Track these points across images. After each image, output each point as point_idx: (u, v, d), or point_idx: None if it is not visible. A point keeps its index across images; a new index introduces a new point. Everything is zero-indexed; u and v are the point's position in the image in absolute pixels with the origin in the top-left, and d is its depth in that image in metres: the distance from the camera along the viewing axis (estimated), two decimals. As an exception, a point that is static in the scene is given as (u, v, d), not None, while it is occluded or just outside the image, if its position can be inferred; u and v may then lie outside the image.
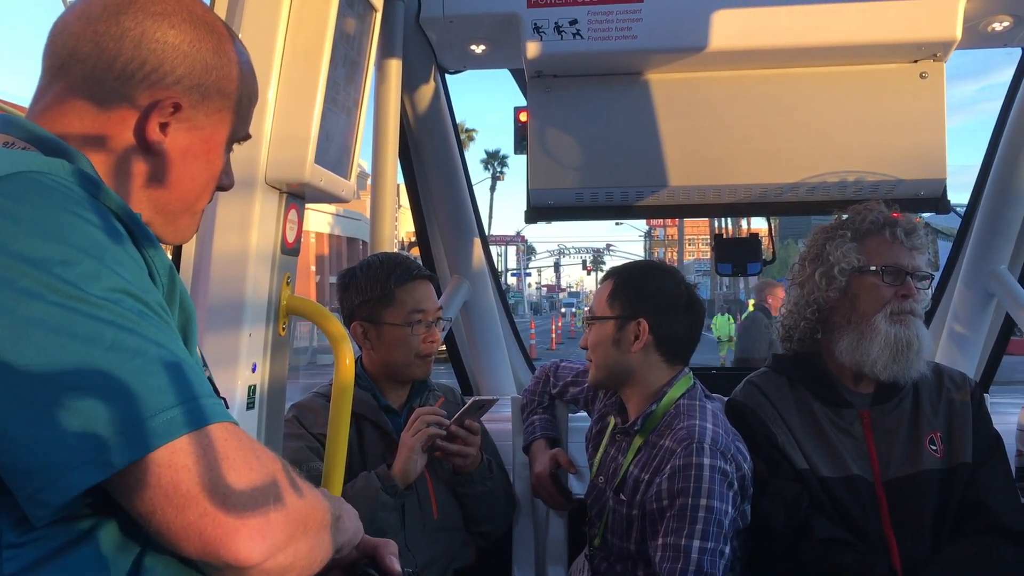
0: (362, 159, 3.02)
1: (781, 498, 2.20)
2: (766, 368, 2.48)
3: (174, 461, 0.91)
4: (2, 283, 0.90)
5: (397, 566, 1.34)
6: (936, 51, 2.80)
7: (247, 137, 1.33)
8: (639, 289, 2.31)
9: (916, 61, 2.86)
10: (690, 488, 2.05)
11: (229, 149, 1.30)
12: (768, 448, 2.26)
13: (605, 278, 2.45)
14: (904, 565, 2.14)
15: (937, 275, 3.74)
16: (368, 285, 2.46)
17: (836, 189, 2.94)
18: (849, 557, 2.10)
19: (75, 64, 1.14)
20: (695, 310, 2.33)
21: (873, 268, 2.26)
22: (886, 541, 2.17)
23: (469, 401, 2.41)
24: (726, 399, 2.45)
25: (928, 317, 3.67)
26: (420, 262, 2.88)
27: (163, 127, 1.17)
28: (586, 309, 2.52)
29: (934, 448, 2.24)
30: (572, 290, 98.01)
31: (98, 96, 1.14)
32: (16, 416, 0.88)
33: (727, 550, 2.06)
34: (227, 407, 1.06)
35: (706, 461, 2.06)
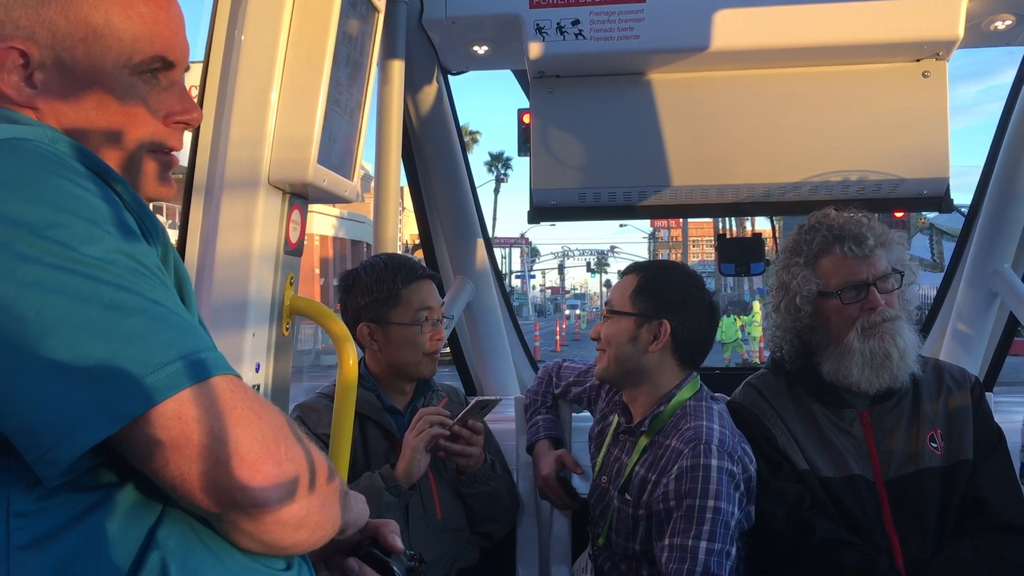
0: (366, 161, 3.03)
1: (782, 499, 2.20)
2: (765, 370, 2.48)
3: (182, 412, 0.92)
4: (5, 246, 0.91)
5: (399, 544, 1.34)
6: (938, 50, 2.81)
7: (159, 65, 1.20)
8: (664, 289, 2.29)
9: (919, 60, 2.87)
10: (698, 489, 2.05)
11: (138, 75, 1.19)
12: (768, 449, 2.26)
13: (628, 272, 2.42)
14: (907, 564, 2.14)
15: (941, 275, 3.75)
16: (374, 286, 2.46)
17: (839, 188, 2.94)
18: (851, 557, 2.10)
19: None
20: (715, 316, 2.32)
21: (832, 290, 2.24)
22: (888, 540, 2.17)
23: (472, 401, 2.42)
24: (727, 399, 2.46)
25: (931, 317, 3.68)
26: (424, 263, 2.89)
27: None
28: (604, 301, 2.50)
29: (935, 446, 2.23)
30: (577, 292, 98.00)
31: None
32: (20, 379, 0.90)
33: (733, 551, 2.06)
34: None
35: (714, 462, 2.07)
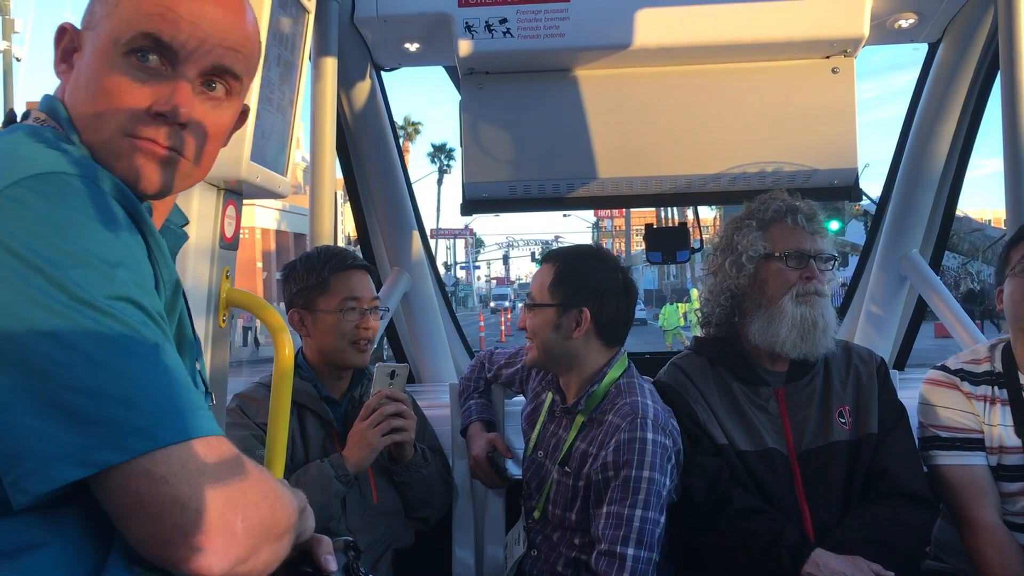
0: (308, 156, 3.08)
1: (702, 472, 2.33)
2: (689, 351, 2.61)
3: (155, 471, 0.94)
4: (21, 280, 0.95)
5: (333, 565, 1.34)
6: (846, 47, 2.96)
7: (151, 45, 1.15)
8: (580, 278, 2.38)
9: (828, 57, 3.02)
10: (634, 460, 2.17)
11: (129, 55, 1.16)
12: (690, 425, 2.39)
13: (545, 261, 2.50)
14: (816, 530, 2.28)
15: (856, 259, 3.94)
16: (305, 274, 2.54)
17: (756, 179, 3.08)
18: (763, 523, 2.24)
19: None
20: (631, 294, 2.42)
21: (778, 254, 2.39)
22: (799, 508, 2.31)
23: (374, 369, 2.49)
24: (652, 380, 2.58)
25: (847, 300, 3.86)
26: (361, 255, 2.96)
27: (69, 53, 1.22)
28: (527, 293, 2.59)
29: (843, 421, 2.39)
30: (522, 282, 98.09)
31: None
32: (18, 404, 0.93)
33: (663, 520, 2.19)
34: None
35: (649, 435, 2.19)
